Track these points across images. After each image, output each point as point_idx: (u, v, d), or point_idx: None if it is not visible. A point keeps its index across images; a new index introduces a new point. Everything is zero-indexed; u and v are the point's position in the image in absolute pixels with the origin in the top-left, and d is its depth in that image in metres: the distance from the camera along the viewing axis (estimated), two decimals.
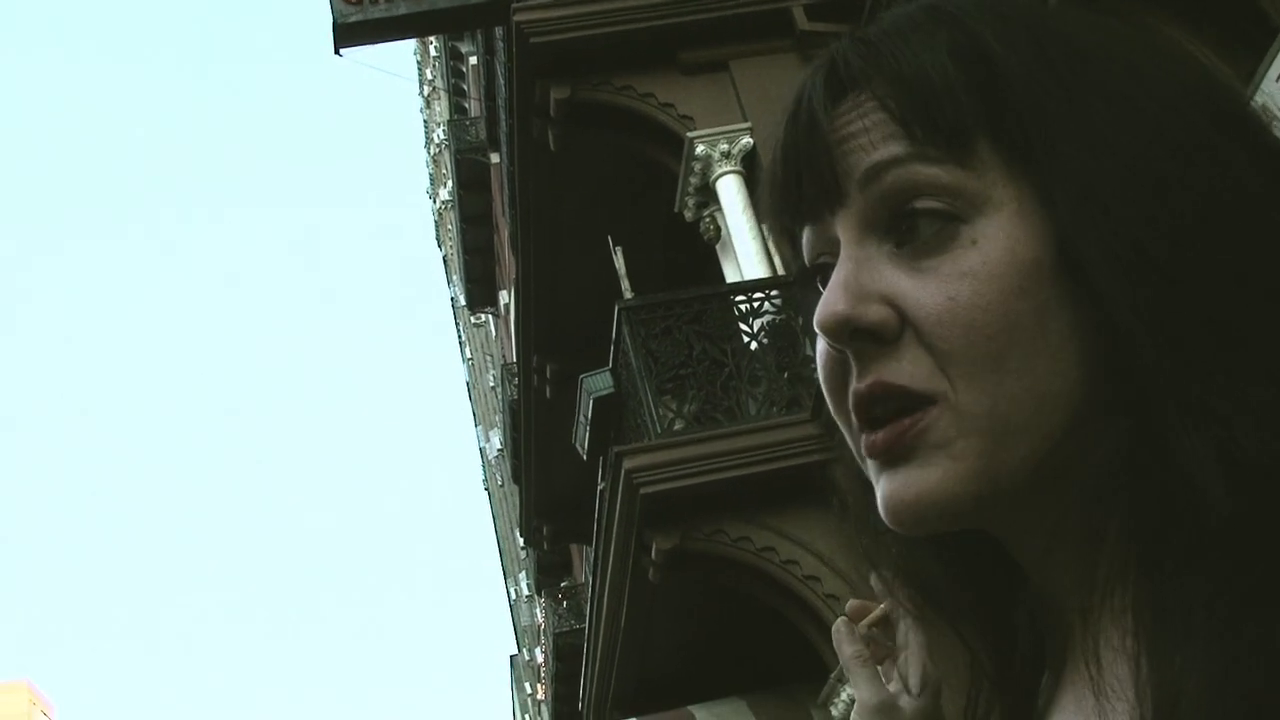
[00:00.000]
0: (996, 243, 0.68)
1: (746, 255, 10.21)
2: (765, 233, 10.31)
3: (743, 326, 9.40)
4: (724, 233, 10.57)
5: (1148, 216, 0.65)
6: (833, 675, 8.65)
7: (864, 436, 0.72)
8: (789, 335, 9.35)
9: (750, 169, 10.55)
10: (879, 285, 0.70)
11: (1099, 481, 0.68)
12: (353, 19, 13.58)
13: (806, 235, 0.77)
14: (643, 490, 8.63)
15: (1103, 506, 0.68)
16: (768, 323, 9.37)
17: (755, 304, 9.45)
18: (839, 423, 0.76)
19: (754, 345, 9.32)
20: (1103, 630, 0.68)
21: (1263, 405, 0.61)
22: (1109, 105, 0.68)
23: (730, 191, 10.47)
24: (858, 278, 0.71)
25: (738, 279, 10.12)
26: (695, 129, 10.60)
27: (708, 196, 10.71)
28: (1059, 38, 0.72)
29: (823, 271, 0.76)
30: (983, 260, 0.68)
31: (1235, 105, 0.71)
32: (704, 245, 11.55)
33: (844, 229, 0.73)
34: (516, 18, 10.66)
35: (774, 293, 9.52)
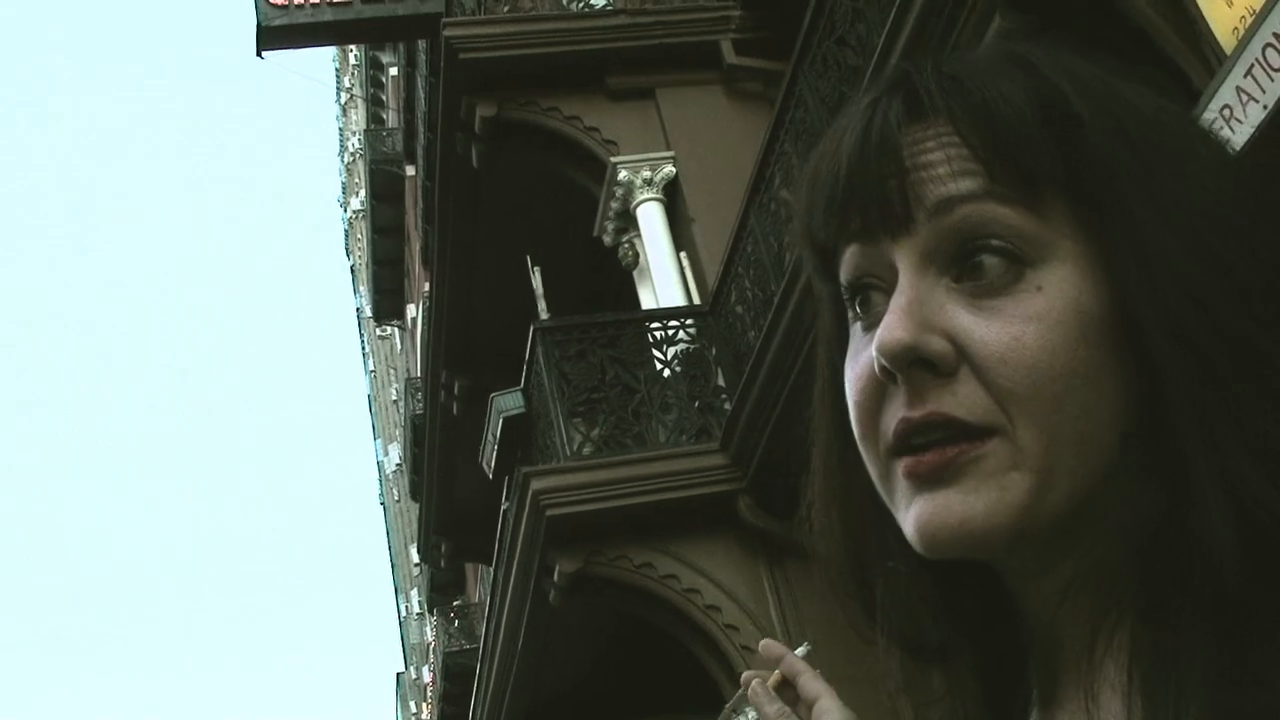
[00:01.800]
0: (1062, 291, 0.69)
1: (664, 283, 10.24)
2: (683, 261, 10.36)
3: (656, 354, 9.42)
4: (642, 259, 10.60)
5: (1204, 288, 0.67)
6: (727, 705, 8.66)
7: (901, 460, 0.71)
8: (702, 365, 9.39)
9: (671, 197, 10.60)
10: (941, 318, 0.71)
11: (1125, 531, 0.70)
12: (277, 22, 13.46)
13: (851, 254, 0.76)
14: (549, 512, 8.60)
15: (1123, 554, 0.70)
16: (681, 351, 9.40)
17: (670, 332, 9.47)
18: (863, 445, 0.75)
19: (667, 373, 9.34)
20: (1103, 669, 0.69)
21: None
22: (1174, 177, 0.71)
23: (651, 218, 10.51)
24: (921, 308, 0.71)
25: (654, 306, 10.14)
26: (619, 154, 10.63)
27: (628, 222, 10.74)
28: (1127, 105, 0.73)
29: (863, 292, 0.76)
30: (1048, 306, 0.69)
31: (1273, 191, 0.73)
32: (621, 270, 11.56)
33: (904, 256, 0.73)
34: (447, 33, 10.61)
35: (689, 321, 9.56)
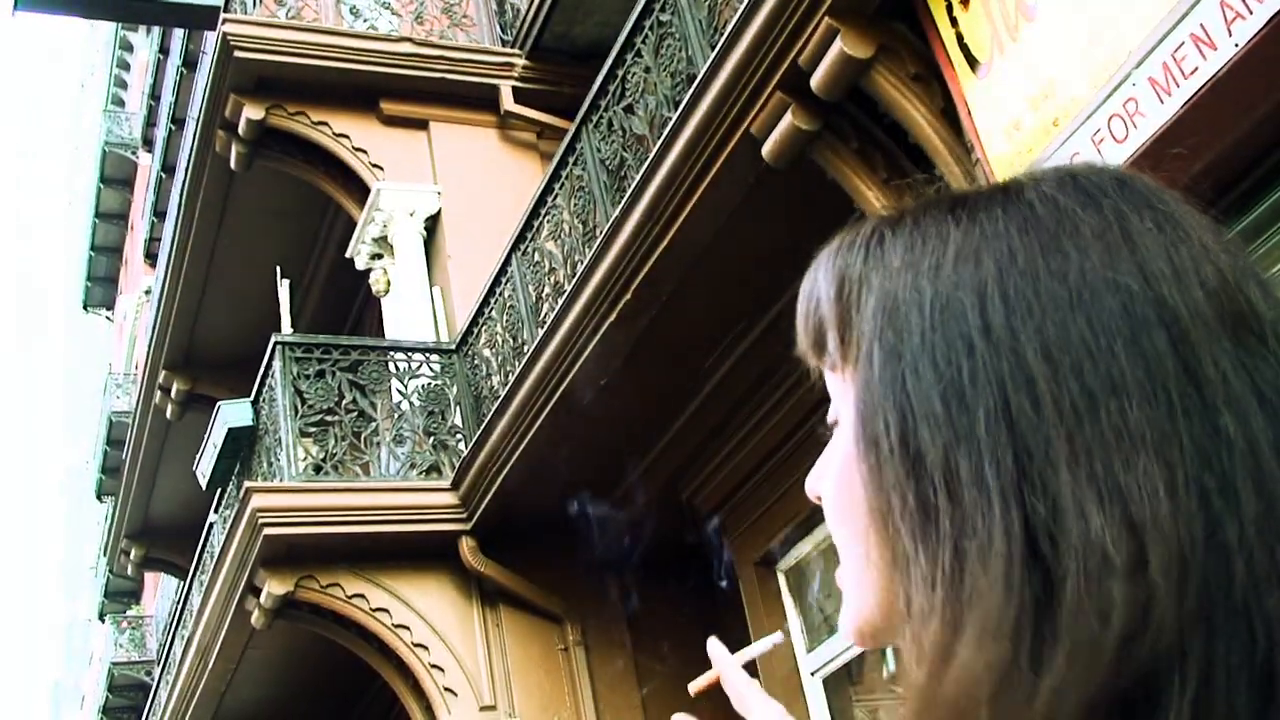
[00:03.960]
0: (841, 443, 0.77)
1: (414, 315, 10.16)
2: (435, 296, 10.33)
3: (397, 384, 9.34)
4: (394, 288, 10.51)
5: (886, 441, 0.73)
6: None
7: None
8: (441, 402, 9.35)
9: (431, 231, 10.57)
10: (823, 460, 0.80)
11: None
12: None
13: None
14: (266, 531, 8.37)
15: None
16: (423, 386, 9.35)
17: (414, 364, 9.41)
18: None
19: (405, 405, 9.26)
20: None
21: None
22: (877, 361, 0.73)
23: (408, 249, 10.44)
24: (825, 452, 0.80)
25: (401, 336, 10.05)
26: (384, 180, 10.54)
27: (384, 249, 10.64)
28: (901, 283, 0.76)
29: None
30: (838, 454, 0.77)
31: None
32: (367, 294, 11.43)
33: None
34: (225, 28, 10.32)
35: (434, 357, 9.52)
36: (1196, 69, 3.79)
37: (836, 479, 0.77)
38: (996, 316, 0.68)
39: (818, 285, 0.79)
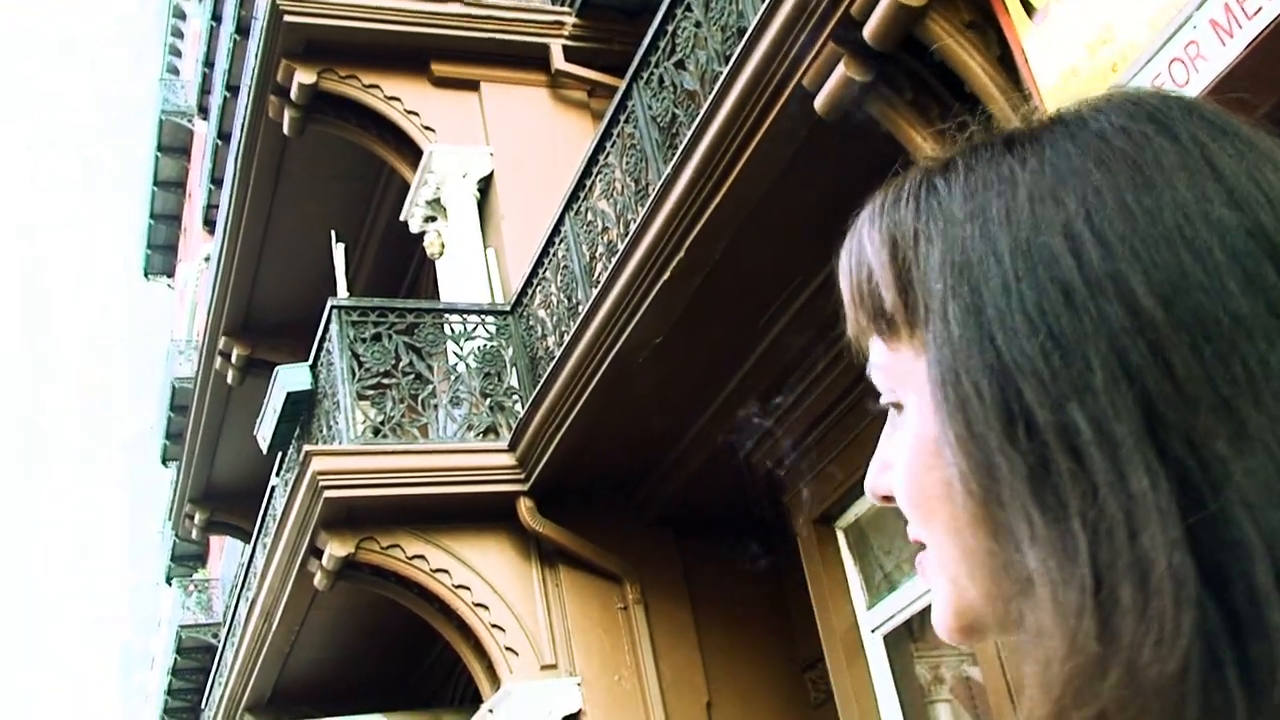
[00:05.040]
0: (913, 421, 0.72)
1: (468, 277, 10.18)
2: (489, 257, 10.33)
3: (453, 346, 9.36)
4: (448, 249, 10.52)
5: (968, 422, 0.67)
6: (484, 705, 8.66)
7: None
8: (497, 363, 9.37)
9: (484, 192, 10.56)
10: (884, 453, 0.75)
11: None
12: None
13: None
14: (326, 493, 8.44)
15: None
16: (479, 348, 9.36)
17: (469, 326, 9.43)
18: None
19: (461, 367, 9.29)
20: None
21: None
22: (955, 319, 0.68)
23: (462, 210, 10.44)
24: (881, 445, 0.75)
25: (456, 298, 10.07)
26: (437, 142, 10.54)
27: (437, 211, 10.65)
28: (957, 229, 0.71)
29: None
30: (908, 435, 0.72)
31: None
32: (422, 257, 11.46)
33: None
34: None
35: (489, 319, 9.53)
36: (1260, 9, 3.68)
37: (912, 464, 0.71)
38: (1094, 258, 0.63)
39: (865, 251, 0.73)
